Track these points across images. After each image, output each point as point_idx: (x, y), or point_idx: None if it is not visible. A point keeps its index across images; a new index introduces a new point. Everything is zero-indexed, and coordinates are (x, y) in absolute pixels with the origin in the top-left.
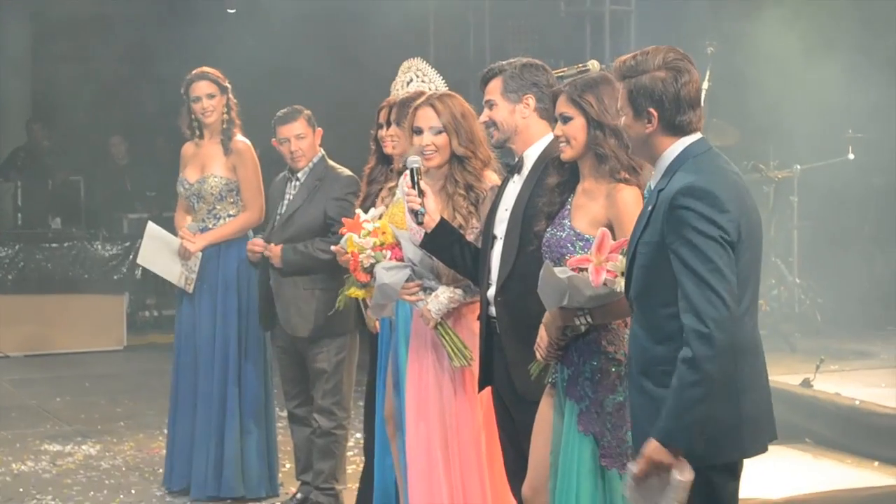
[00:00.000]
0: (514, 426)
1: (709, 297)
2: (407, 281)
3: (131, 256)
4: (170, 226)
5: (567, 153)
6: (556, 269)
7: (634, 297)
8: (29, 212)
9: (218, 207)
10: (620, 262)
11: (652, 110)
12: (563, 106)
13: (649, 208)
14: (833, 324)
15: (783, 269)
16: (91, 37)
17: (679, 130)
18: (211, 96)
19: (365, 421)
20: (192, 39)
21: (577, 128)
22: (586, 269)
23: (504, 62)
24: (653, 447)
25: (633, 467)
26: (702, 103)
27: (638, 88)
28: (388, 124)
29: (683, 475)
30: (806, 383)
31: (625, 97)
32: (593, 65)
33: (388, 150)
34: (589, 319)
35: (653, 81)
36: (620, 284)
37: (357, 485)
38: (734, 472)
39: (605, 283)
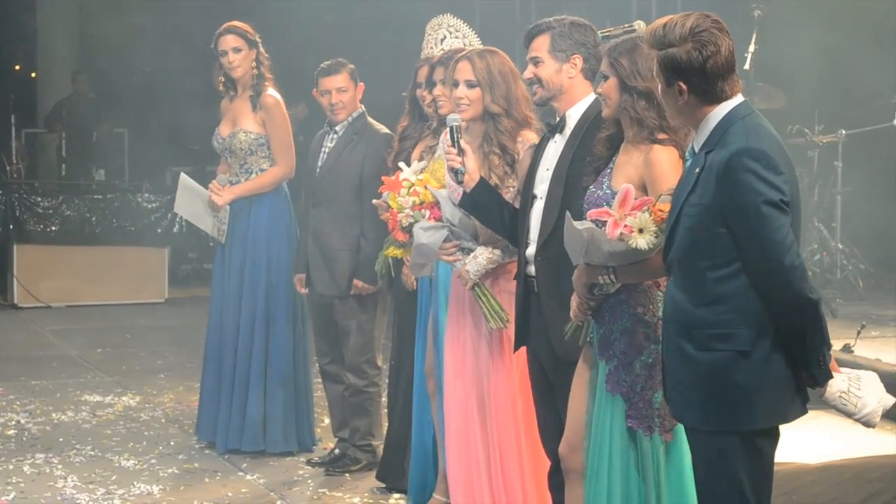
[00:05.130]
0: (550, 386)
1: (775, 249)
2: (445, 241)
3: (173, 209)
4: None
5: (605, 111)
6: (576, 222)
7: (676, 260)
8: (73, 163)
9: (249, 161)
10: (640, 219)
11: (681, 83)
12: (603, 65)
13: (696, 170)
14: (875, 290)
15: (826, 235)
16: None
17: (715, 99)
18: (237, 50)
19: (389, 381)
20: None
21: (611, 88)
22: (606, 223)
23: (552, 19)
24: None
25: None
26: (735, 69)
27: (665, 62)
28: (432, 84)
29: None
30: (847, 349)
31: (657, 68)
32: (639, 25)
33: (441, 111)
34: (613, 278)
35: (678, 55)
36: (638, 242)
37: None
38: (774, 436)
39: (620, 238)
